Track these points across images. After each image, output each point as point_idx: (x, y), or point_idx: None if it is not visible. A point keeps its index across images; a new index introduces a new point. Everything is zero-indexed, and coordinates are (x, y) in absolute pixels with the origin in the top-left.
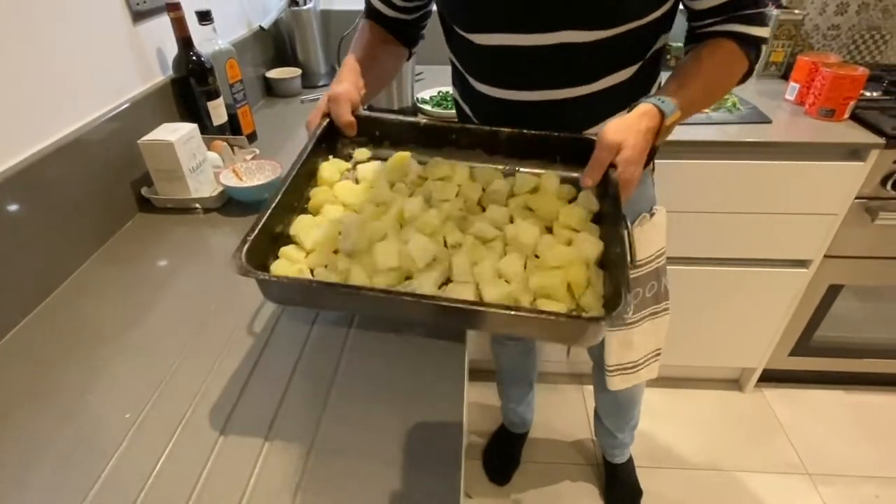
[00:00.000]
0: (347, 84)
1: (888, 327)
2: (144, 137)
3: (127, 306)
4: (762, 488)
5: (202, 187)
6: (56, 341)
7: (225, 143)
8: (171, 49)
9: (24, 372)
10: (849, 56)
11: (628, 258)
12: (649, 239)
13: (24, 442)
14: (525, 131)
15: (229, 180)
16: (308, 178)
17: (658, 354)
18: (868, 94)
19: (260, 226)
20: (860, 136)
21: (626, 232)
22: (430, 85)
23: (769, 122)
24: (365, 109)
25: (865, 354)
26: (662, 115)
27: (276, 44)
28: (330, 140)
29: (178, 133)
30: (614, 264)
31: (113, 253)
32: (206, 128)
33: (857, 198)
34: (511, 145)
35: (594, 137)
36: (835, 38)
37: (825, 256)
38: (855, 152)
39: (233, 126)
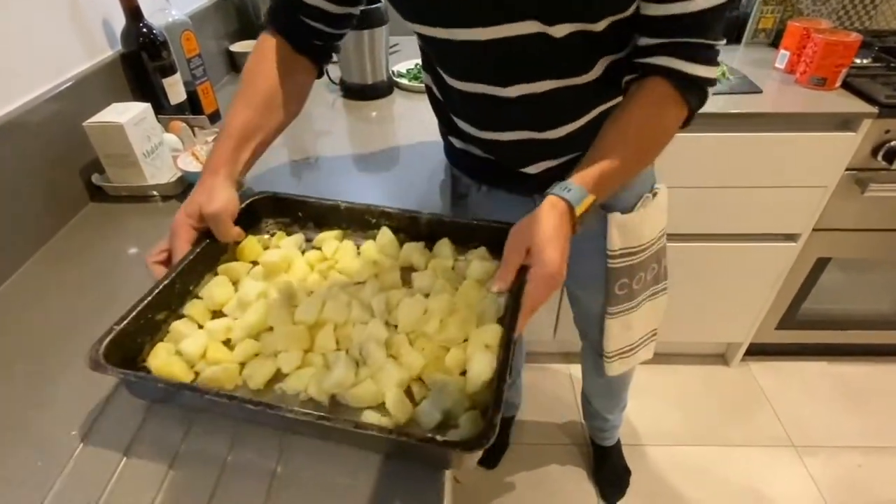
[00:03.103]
0: (223, 192)
1: (874, 299)
2: (90, 119)
3: (77, 309)
4: (748, 461)
5: (159, 173)
6: None
7: (184, 124)
8: (119, 21)
9: None
10: (838, 22)
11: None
12: (651, 220)
13: None
14: (444, 217)
15: (189, 165)
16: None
17: (654, 334)
18: (859, 61)
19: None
20: (852, 105)
21: (511, 347)
22: (407, 57)
23: (759, 91)
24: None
25: (850, 326)
26: (570, 205)
27: (240, 14)
28: (249, 219)
29: (128, 114)
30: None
31: (61, 249)
32: (163, 107)
33: (847, 169)
34: (432, 229)
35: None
36: (824, 2)
37: (814, 230)
38: (846, 122)
39: (192, 105)
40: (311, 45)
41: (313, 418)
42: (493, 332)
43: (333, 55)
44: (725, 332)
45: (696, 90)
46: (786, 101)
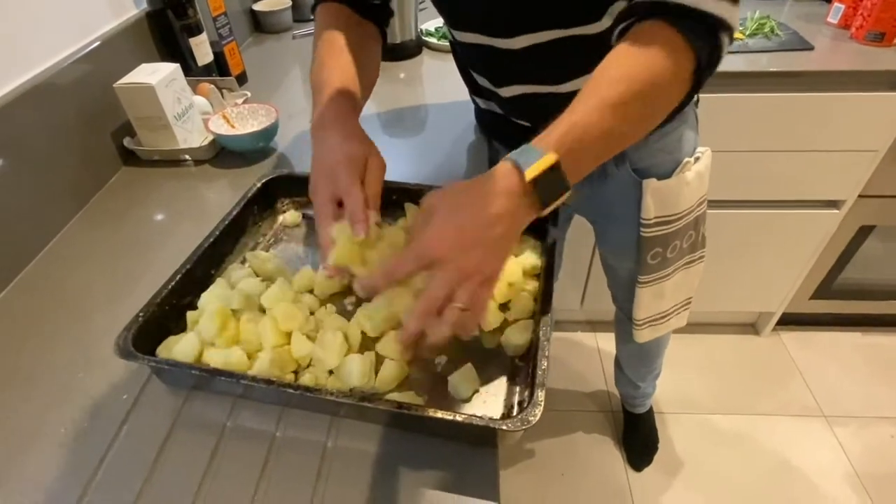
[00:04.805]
0: (363, 142)
1: None
2: (121, 80)
3: (116, 273)
4: (778, 431)
5: (191, 136)
6: (38, 317)
7: (213, 86)
8: None
9: (5, 352)
10: None
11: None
12: (691, 187)
13: (14, 428)
14: None
15: (220, 128)
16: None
17: (689, 302)
18: None
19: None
20: None
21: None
22: (436, 14)
23: (811, 48)
24: None
25: (888, 296)
26: (519, 170)
27: None
28: (265, 199)
29: (158, 74)
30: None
31: (97, 213)
32: (191, 68)
33: None
34: None
35: None
36: None
37: (859, 196)
38: None
39: (220, 66)
40: (370, 5)
41: (355, 401)
42: (524, 325)
43: (391, 18)
44: (759, 302)
45: (702, 30)
46: (839, 59)
